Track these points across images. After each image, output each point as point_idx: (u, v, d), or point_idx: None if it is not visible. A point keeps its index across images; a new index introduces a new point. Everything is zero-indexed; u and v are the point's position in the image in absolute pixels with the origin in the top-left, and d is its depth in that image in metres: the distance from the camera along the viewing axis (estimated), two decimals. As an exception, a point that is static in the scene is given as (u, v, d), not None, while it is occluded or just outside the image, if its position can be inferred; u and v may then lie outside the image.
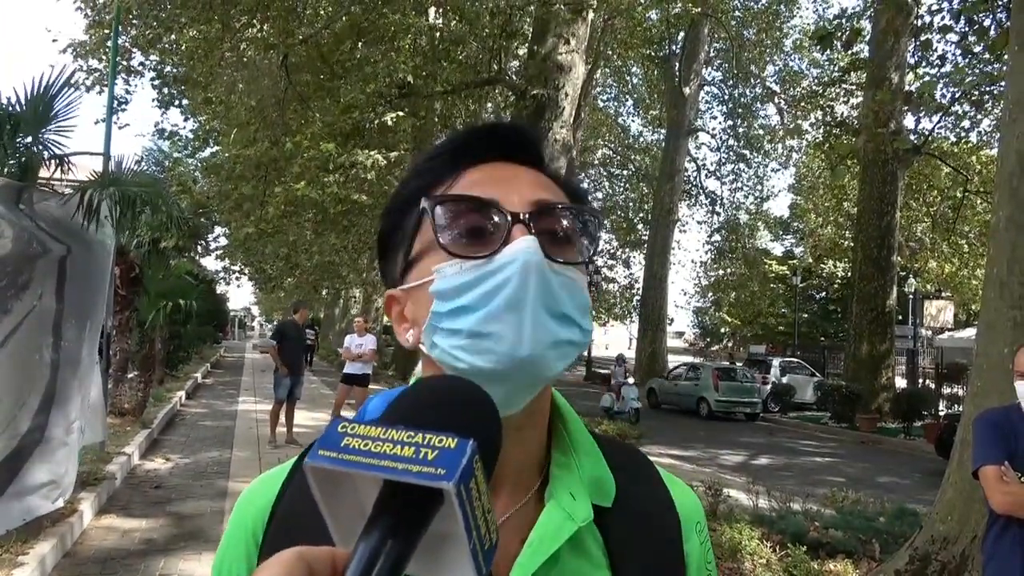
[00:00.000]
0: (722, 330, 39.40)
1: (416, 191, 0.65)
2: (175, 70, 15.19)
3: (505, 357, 0.57)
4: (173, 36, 12.80)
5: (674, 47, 25.02)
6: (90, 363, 5.87)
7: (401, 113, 12.13)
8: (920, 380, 20.58)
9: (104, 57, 14.45)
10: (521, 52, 13.81)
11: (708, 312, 39.68)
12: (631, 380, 16.92)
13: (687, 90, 24.77)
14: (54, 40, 17.40)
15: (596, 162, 30.94)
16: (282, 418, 9.64)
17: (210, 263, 31.59)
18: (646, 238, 28.38)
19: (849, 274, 23.89)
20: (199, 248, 27.19)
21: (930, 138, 15.53)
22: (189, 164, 26.41)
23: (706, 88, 28.61)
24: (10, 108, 5.68)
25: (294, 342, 9.80)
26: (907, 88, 15.98)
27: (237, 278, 31.74)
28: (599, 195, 30.70)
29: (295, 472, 0.67)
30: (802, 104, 23.82)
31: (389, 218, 0.68)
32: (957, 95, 12.92)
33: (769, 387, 19.92)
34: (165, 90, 15.64)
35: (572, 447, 0.67)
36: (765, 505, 6.20)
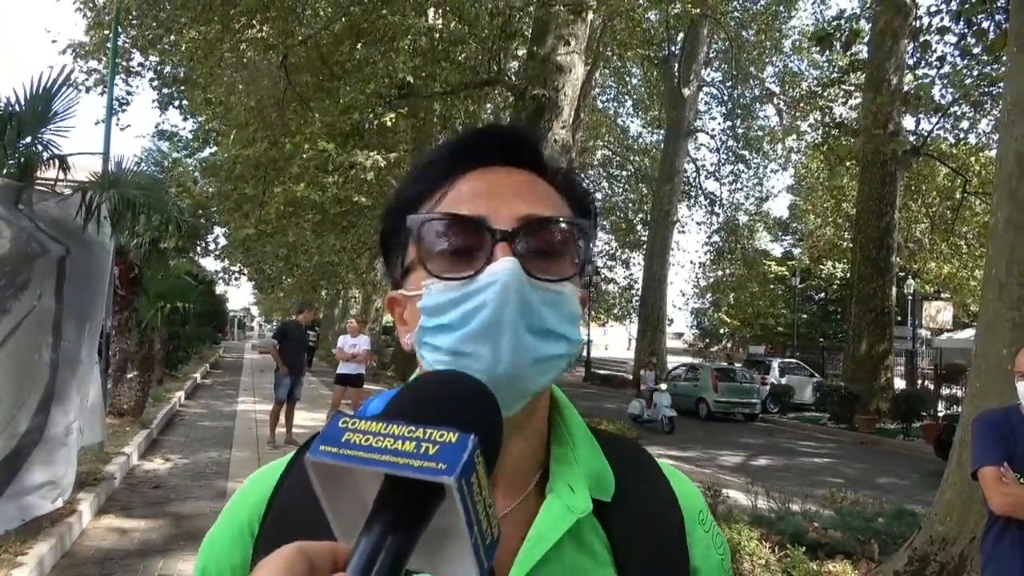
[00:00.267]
0: (721, 331, 39.42)
1: (415, 196, 0.66)
2: (175, 71, 15.19)
3: (483, 375, 0.56)
4: (173, 37, 12.78)
5: (673, 48, 25.02)
6: (89, 363, 5.87)
7: (401, 113, 12.13)
8: (919, 381, 20.59)
9: (104, 58, 14.45)
10: (520, 53, 13.81)
11: (707, 313, 39.70)
12: (663, 386, 15.47)
13: (686, 91, 24.78)
14: (53, 41, 17.43)
15: (595, 163, 30.92)
16: (281, 419, 9.65)
17: (209, 263, 31.60)
18: (645, 239, 28.39)
19: (848, 275, 23.91)
20: (198, 249, 27.20)
21: (929, 139, 15.53)
22: (189, 164, 26.42)
23: (705, 89, 28.64)
24: (10, 108, 5.67)
25: (296, 342, 9.80)
26: (906, 89, 15.99)
27: (236, 278, 31.77)
28: (598, 196, 30.67)
29: (293, 466, 0.67)
30: (801, 105, 23.84)
31: (389, 219, 0.69)
32: (956, 96, 12.93)
33: (768, 388, 19.91)
34: (164, 91, 15.64)
35: (570, 441, 0.67)
36: (764, 506, 6.19)
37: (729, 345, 38.41)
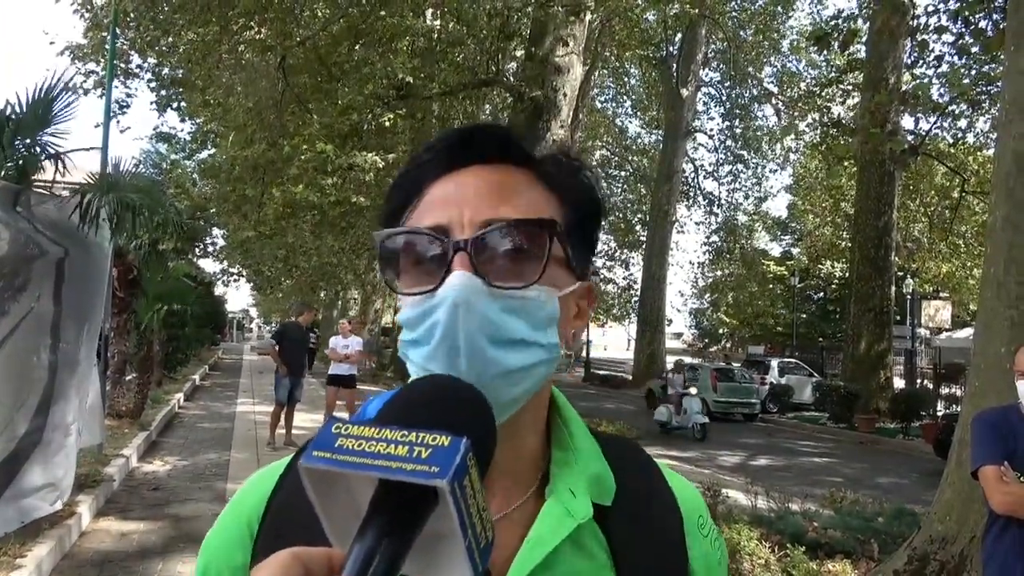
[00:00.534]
0: (720, 331, 39.44)
1: (391, 211, 0.66)
2: (173, 72, 15.19)
3: None
4: (171, 38, 12.78)
5: (672, 48, 25.03)
6: (88, 365, 5.86)
7: (399, 114, 12.13)
8: (918, 380, 20.58)
9: (102, 59, 14.44)
10: (519, 53, 13.81)
11: (706, 313, 39.72)
12: (693, 390, 14.34)
13: (685, 91, 24.79)
14: (51, 43, 17.46)
15: (594, 163, 30.91)
16: (281, 420, 9.64)
17: (208, 265, 31.61)
18: (644, 239, 28.40)
19: (847, 274, 23.92)
20: (197, 250, 27.20)
21: (927, 138, 15.53)
22: (187, 166, 26.41)
23: (704, 89, 28.65)
24: (11, 112, 5.66)
25: (295, 344, 9.81)
26: (904, 89, 16.00)
27: (235, 280, 31.75)
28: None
29: (292, 468, 0.67)
30: (799, 105, 23.86)
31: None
32: (954, 96, 12.93)
33: (767, 388, 19.92)
34: (163, 92, 15.64)
35: (572, 445, 0.67)
36: (764, 505, 6.20)
37: (728, 345, 38.43)
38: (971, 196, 18.24)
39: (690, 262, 44.68)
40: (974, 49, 9.39)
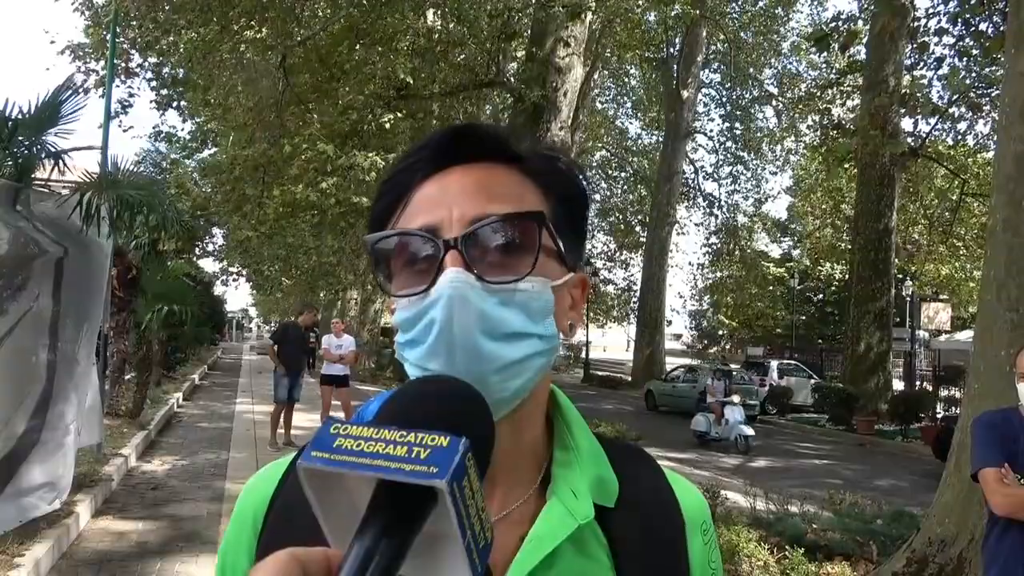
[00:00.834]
0: (720, 332, 39.46)
1: (380, 214, 0.66)
2: (173, 71, 15.19)
3: None
4: (171, 38, 12.78)
5: (672, 49, 25.05)
6: (87, 364, 5.86)
7: (399, 115, 12.13)
8: (918, 382, 20.59)
9: (103, 58, 14.44)
10: (519, 54, 13.82)
11: (706, 314, 39.74)
12: (736, 398, 13.23)
13: (685, 92, 24.80)
14: (52, 42, 17.45)
15: (594, 164, 30.96)
16: (281, 420, 9.64)
17: (208, 264, 31.61)
18: (644, 240, 28.41)
19: (847, 276, 23.93)
20: (197, 250, 27.19)
21: (927, 141, 15.56)
22: (188, 165, 26.41)
23: (704, 90, 28.68)
24: (13, 113, 5.66)
25: (294, 344, 9.82)
26: (904, 90, 16.02)
27: (235, 279, 31.74)
28: (596, 197, 30.73)
29: (294, 465, 0.67)
30: (800, 106, 23.88)
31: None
32: (955, 98, 12.95)
33: (767, 389, 19.92)
34: (163, 91, 15.64)
35: (574, 445, 0.67)
36: (763, 507, 6.20)
37: (728, 347, 38.45)
38: (971, 198, 18.27)
39: (690, 263, 44.77)
40: (974, 52, 9.40)
